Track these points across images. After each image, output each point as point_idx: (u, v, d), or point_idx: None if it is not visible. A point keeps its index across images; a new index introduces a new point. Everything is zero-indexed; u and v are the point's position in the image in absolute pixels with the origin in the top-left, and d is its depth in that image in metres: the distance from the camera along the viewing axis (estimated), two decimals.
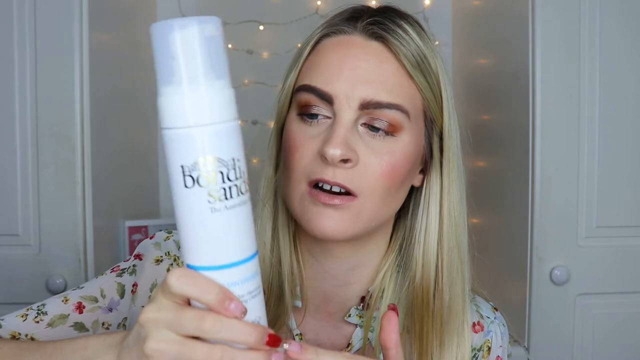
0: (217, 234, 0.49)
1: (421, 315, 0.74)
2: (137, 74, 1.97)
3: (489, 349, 0.80)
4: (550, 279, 1.61)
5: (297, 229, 0.79)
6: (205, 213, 0.49)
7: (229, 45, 1.99)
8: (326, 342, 0.77)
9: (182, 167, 0.48)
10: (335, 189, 0.68)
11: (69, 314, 0.75)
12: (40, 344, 0.65)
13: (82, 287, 0.78)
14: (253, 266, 0.52)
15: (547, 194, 1.59)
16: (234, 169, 0.49)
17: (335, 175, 0.67)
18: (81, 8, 1.52)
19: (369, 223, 0.71)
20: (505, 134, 1.78)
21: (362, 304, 0.78)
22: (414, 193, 0.78)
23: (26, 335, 0.73)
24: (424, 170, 0.76)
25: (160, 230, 0.84)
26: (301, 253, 0.78)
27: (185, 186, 0.49)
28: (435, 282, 0.75)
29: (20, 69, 1.53)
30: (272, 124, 0.78)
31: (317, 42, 0.73)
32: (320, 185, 0.68)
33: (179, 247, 0.81)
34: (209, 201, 0.49)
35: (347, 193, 0.68)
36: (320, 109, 0.70)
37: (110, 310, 0.77)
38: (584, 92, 1.59)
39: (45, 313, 0.75)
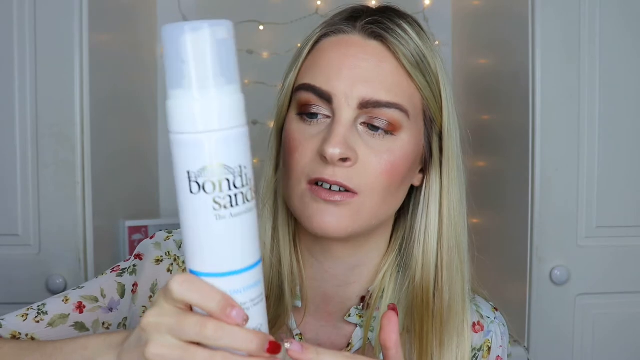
0: (222, 242, 0.49)
1: (421, 315, 0.74)
2: (137, 74, 1.97)
3: (489, 349, 0.80)
4: (550, 279, 1.61)
5: (297, 229, 0.79)
6: (210, 220, 0.48)
7: None
8: (326, 342, 0.77)
9: (188, 172, 0.48)
10: (335, 188, 0.68)
11: (69, 314, 0.75)
12: (41, 344, 0.65)
13: (82, 287, 0.78)
14: (256, 274, 0.51)
15: (547, 194, 1.59)
16: (241, 176, 0.49)
17: (335, 174, 0.67)
18: (81, 8, 1.51)
19: (369, 221, 0.71)
20: (505, 134, 1.78)
21: (362, 304, 0.78)
22: (413, 193, 0.78)
23: (26, 335, 0.73)
24: (424, 170, 0.76)
25: (161, 230, 0.84)
26: (301, 253, 0.78)
27: (191, 192, 0.48)
28: (435, 282, 0.75)
29: (20, 69, 1.53)
30: (272, 124, 0.78)
31: (316, 42, 0.74)
32: (320, 184, 0.68)
33: (179, 247, 0.81)
34: (214, 208, 0.48)
35: (348, 191, 0.68)
36: (320, 108, 0.70)
37: (111, 310, 0.77)
38: (584, 92, 1.59)
39: (46, 313, 0.75)
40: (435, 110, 0.73)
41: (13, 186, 1.54)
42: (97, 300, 0.77)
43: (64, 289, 1.54)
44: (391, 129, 0.69)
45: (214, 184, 0.48)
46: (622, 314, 1.64)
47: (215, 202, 0.48)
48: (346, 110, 0.68)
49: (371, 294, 0.77)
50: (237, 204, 0.49)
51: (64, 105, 1.53)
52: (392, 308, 0.59)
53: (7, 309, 0.79)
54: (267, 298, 0.74)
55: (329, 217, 0.68)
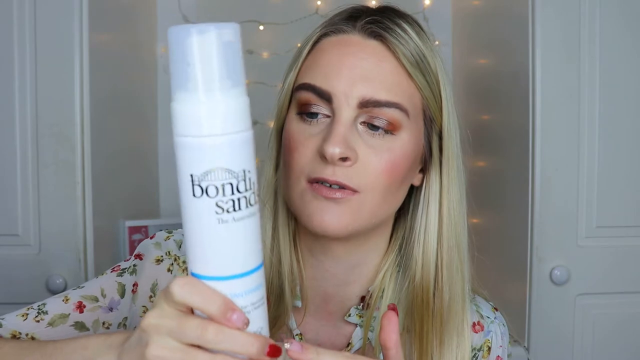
0: (224, 246, 0.49)
1: (421, 315, 0.74)
2: (137, 74, 1.97)
3: (489, 348, 0.80)
4: (550, 279, 1.61)
5: (297, 229, 0.79)
6: (213, 224, 0.48)
7: None
8: (326, 341, 0.77)
9: (191, 176, 0.48)
10: (335, 187, 0.68)
11: (69, 314, 0.75)
12: (41, 344, 0.65)
13: (82, 287, 0.78)
14: (258, 278, 0.51)
15: (547, 194, 1.59)
16: (244, 180, 0.48)
17: (335, 174, 0.67)
18: (81, 8, 1.52)
19: (369, 220, 0.71)
20: (505, 134, 1.78)
21: (362, 304, 0.78)
22: (413, 192, 0.78)
23: (27, 335, 0.73)
24: (424, 170, 0.76)
25: (161, 230, 0.84)
26: (301, 252, 0.78)
27: (194, 195, 0.48)
28: (435, 282, 0.75)
29: (20, 69, 1.53)
30: (272, 124, 0.78)
31: (316, 42, 0.74)
32: (320, 183, 0.68)
33: (179, 247, 0.81)
34: (216, 212, 0.48)
35: (348, 189, 0.68)
36: (320, 107, 0.70)
37: (111, 309, 0.77)
38: (584, 92, 1.59)
39: (46, 312, 0.75)
40: (435, 110, 0.73)
41: (13, 186, 1.54)
42: (97, 300, 0.77)
43: (64, 289, 1.54)
44: (391, 129, 0.69)
45: (217, 188, 0.47)
46: (622, 314, 1.64)
47: (218, 206, 0.48)
48: (346, 110, 0.68)
49: (371, 294, 0.77)
50: (240, 208, 0.48)
51: (64, 105, 1.53)
52: (392, 308, 0.59)
53: (7, 309, 0.79)
54: (267, 298, 0.74)
55: (328, 215, 0.68)
